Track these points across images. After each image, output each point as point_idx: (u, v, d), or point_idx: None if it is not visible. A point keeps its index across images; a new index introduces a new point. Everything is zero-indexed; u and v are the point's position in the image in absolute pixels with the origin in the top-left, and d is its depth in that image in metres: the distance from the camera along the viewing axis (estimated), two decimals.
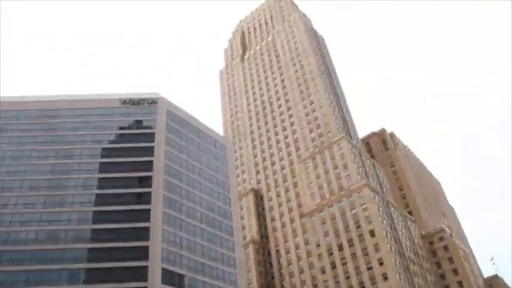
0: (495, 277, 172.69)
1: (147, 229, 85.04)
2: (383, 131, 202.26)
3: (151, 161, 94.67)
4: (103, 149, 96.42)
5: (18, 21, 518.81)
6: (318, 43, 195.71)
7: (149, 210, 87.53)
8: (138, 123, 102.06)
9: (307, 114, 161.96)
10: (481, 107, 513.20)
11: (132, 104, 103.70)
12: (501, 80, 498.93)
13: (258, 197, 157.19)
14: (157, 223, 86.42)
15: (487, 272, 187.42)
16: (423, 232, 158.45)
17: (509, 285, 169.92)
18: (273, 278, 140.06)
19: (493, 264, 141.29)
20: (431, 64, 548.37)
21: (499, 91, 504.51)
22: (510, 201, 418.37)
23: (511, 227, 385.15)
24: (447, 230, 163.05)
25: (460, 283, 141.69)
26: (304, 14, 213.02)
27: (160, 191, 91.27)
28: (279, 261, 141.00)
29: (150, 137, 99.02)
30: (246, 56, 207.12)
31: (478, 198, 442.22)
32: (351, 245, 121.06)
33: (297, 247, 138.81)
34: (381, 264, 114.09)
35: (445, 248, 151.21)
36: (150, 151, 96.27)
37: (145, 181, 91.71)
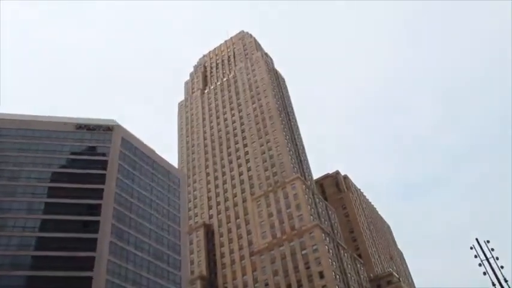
0: None
1: (92, 259, 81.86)
2: (337, 173, 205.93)
3: (102, 189, 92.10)
4: (53, 173, 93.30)
5: None
6: (278, 83, 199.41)
7: (96, 239, 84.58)
8: (92, 150, 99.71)
9: (263, 153, 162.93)
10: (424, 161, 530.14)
11: (87, 129, 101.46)
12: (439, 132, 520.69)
13: (209, 232, 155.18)
14: (103, 253, 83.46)
15: None
16: (372, 275, 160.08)
17: None
18: None
19: None
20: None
21: (437, 144, 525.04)
22: (452, 245, 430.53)
23: (452, 273, 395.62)
24: (395, 274, 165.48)
25: None
26: (266, 54, 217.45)
27: (109, 220, 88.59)
28: None
29: (103, 164, 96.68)
30: (206, 91, 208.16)
31: (425, 243, 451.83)
32: (300, 285, 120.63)
33: (245, 285, 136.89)
34: None
35: None
36: (101, 178, 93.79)
37: (94, 209, 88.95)
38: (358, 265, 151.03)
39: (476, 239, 46.76)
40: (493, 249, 45.69)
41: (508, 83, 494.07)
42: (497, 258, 44.83)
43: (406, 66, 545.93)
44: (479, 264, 45.40)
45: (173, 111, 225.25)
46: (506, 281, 43.37)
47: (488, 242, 46.18)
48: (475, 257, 46.06)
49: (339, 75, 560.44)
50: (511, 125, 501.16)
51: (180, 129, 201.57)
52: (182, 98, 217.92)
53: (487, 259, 45.07)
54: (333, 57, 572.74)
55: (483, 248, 46.03)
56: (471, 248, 46.80)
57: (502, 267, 44.28)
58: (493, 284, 43.86)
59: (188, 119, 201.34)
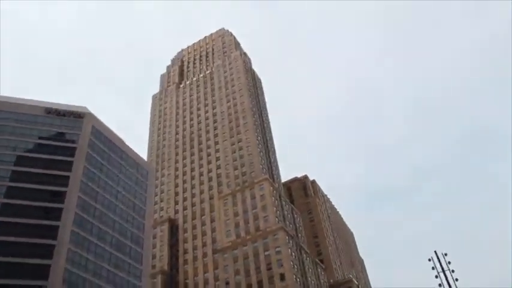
0: None
1: (51, 247, 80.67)
2: (305, 177, 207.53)
3: (68, 176, 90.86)
4: (18, 156, 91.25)
5: None
6: (254, 83, 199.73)
7: (57, 227, 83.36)
8: (60, 136, 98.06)
9: (233, 151, 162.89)
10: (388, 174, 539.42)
11: (57, 114, 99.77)
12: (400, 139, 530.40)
13: (174, 227, 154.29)
14: (63, 242, 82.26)
15: None
16: (332, 280, 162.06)
17: None
18: None
19: None
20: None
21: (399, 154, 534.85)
22: (413, 256, 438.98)
23: (412, 283, 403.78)
24: (355, 281, 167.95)
25: None
26: (245, 53, 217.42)
27: (72, 209, 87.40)
28: None
29: (71, 151, 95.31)
30: (182, 85, 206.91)
31: (386, 252, 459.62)
32: (260, 286, 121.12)
33: (206, 282, 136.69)
34: None
35: None
36: (68, 165, 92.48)
37: (58, 196, 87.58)
38: (319, 270, 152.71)
39: (435, 252, 48.12)
40: (449, 262, 47.07)
41: (477, 94, 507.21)
42: (453, 271, 46.21)
43: (382, 76, 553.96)
44: (436, 276, 46.72)
45: (147, 103, 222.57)
46: None
47: (445, 254, 47.56)
48: (432, 268, 47.39)
49: (313, 81, 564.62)
50: (469, 145, 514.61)
51: (152, 121, 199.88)
52: (157, 90, 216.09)
53: (444, 271, 46.40)
54: (309, 63, 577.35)
55: (440, 260, 47.36)
56: (429, 260, 48.12)
57: (456, 279, 45.67)
58: None
59: (161, 112, 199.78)
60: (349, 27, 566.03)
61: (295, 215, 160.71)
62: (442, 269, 46.59)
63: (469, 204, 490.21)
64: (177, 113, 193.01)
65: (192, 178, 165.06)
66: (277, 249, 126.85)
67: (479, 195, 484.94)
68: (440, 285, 46.19)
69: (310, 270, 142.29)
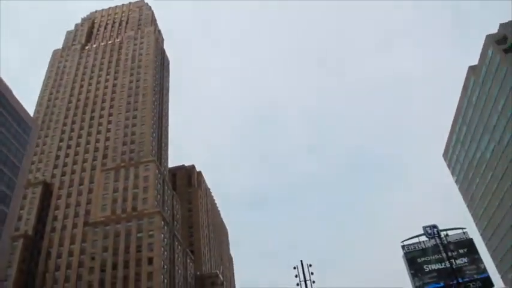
0: None
1: None
2: (192, 167, 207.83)
3: None
4: None
5: None
6: (162, 63, 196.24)
7: None
8: None
9: (126, 127, 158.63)
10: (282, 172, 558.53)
11: None
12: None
13: (48, 192, 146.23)
14: None
15: None
16: (199, 273, 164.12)
17: None
18: (34, 280, 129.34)
19: None
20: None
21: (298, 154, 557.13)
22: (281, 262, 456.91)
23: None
24: (220, 276, 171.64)
25: None
26: (159, 31, 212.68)
27: None
28: (46, 264, 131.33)
29: None
30: (87, 47, 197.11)
31: (257, 255, 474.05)
32: (126, 267, 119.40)
33: (70, 254, 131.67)
34: None
35: None
36: None
37: None
38: (189, 260, 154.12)
39: (301, 261, 51.27)
40: (312, 273, 50.40)
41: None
42: (313, 282, 49.54)
43: (286, 86, 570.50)
44: (297, 284, 49.76)
45: (46, 59, 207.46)
46: None
47: (310, 265, 50.85)
48: (296, 276, 50.42)
49: (225, 78, 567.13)
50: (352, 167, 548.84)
51: (47, 77, 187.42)
52: (60, 47, 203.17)
53: (305, 280, 49.58)
54: (225, 59, 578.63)
55: (304, 270, 50.52)
56: (294, 268, 51.11)
57: None
58: None
59: (59, 70, 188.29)
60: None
61: (175, 203, 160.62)
62: (305, 278, 49.77)
63: (338, 221, 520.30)
64: (76, 75, 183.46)
65: (78, 145, 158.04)
66: (151, 232, 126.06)
67: (352, 216, 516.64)
68: None
69: (180, 259, 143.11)
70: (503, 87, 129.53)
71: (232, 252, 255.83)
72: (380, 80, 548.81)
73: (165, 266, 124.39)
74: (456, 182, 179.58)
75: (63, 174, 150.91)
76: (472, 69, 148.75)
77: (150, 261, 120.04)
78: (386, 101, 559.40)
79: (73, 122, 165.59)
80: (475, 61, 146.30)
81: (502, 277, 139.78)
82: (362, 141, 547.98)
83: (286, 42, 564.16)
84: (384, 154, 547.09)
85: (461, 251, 73.40)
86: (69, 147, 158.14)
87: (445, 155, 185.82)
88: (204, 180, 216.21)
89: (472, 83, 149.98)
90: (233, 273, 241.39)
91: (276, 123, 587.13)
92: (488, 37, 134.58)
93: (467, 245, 74.74)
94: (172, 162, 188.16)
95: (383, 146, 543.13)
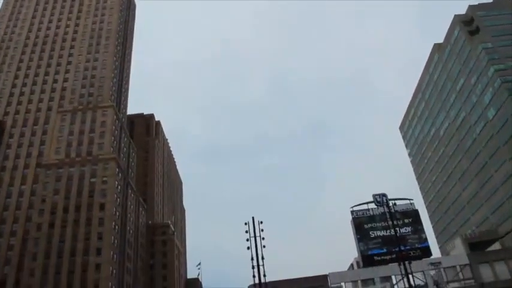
0: (196, 279, 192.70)
1: None
2: (151, 116, 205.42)
3: None
4: None
5: None
6: (128, 7, 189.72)
7: None
8: None
9: (86, 69, 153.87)
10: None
11: None
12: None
13: None
14: None
15: (194, 273, 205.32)
16: (150, 222, 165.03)
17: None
18: None
19: (199, 269, 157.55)
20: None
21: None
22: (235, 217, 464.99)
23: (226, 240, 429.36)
24: (172, 227, 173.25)
25: (164, 277, 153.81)
26: None
27: None
28: None
29: None
30: None
31: (210, 208, 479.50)
32: (77, 211, 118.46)
33: (20, 195, 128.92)
34: (100, 238, 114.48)
35: (164, 242, 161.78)
36: None
37: None
38: (141, 209, 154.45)
39: (252, 217, 52.47)
40: (262, 230, 51.74)
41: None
42: (263, 238, 50.91)
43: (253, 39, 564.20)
44: (247, 239, 51.05)
45: None
46: (263, 258, 49.53)
47: (261, 222, 52.12)
48: (246, 232, 51.66)
49: (190, 25, 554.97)
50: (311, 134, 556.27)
51: (3, 9, 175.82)
52: None
53: (255, 237, 50.91)
54: (192, 8, 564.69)
55: (255, 226, 51.79)
56: (245, 224, 52.29)
57: (264, 246, 50.50)
58: (252, 259, 49.81)
59: (18, 3, 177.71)
60: None
61: (131, 150, 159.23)
62: (255, 234, 51.06)
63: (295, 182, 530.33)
64: (36, 10, 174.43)
65: (34, 83, 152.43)
66: (104, 178, 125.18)
67: (307, 177, 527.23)
68: (248, 248, 50.62)
69: (132, 207, 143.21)
70: (464, 67, 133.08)
71: (185, 204, 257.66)
72: (349, 51, 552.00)
73: (117, 213, 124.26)
74: (409, 155, 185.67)
75: (17, 112, 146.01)
76: (437, 46, 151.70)
77: (102, 207, 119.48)
78: (350, 72, 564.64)
79: (30, 59, 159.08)
80: (441, 40, 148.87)
81: (440, 248, 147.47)
82: (322, 108, 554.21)
83: None
84: (343, 124, 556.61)
85: (406, 220, 76.73)
86: (24, 85, 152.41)
87: (401, 128, 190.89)
88: (162, 130, 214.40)
89: (435, 61, 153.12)
90: (185, 224, 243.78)
91: (239, 79, 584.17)
92: (456, 17, 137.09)
93: (413, 215, 78.16)
94: (131, 110, 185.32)
95: (342, 115, 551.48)
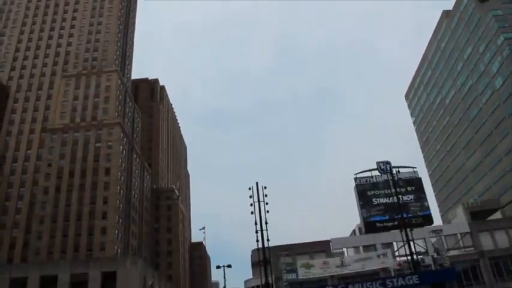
0: (200, 243, 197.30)
1: None
2: (156, 81, 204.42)
3: None
4: None
5: None
6: None
7: None
8: None
9: (90, 33, 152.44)
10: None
11: None
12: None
13: (4, 94, 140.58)
14: None
15: (198, 238, 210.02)
16: (155, 186, 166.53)
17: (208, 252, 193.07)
18: None
19: (203, 233, 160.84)
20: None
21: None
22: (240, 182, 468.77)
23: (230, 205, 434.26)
24: (176, 191, 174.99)
25: (169, 240, 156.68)
26: None
27: None
28: (1, 168, 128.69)
29: None
30: None
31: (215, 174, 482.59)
32: (83, 176, 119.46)
33: (26, 159, 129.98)
34: (105, 202, 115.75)
35: (168, 207, 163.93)
36: None
37: None
38: (146, 173, 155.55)
39: (256, 183, 52.78)
40: (266, 195, 52.09)
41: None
42: (267, 203, 51.33)
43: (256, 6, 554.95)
44: (251, 204, 51.49)
45: None
46: (266, 223, 50.11)
47: (265, 187, 52.39)
48: (250, 197, 52.07)
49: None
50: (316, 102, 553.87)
51: None
52: None
53: (259, 202, 51.32)
54: None
55: (259, 192, 52.12)
56: (249, 189, 52.63)
57: (268, 211, 50.97)
58: (255, 223, 50.38)
59: None
60: None
61: (136, 115, 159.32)
62: (259, 199, 51.45)
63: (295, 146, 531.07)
64: None
65: (38, 48, 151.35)
66: (109, 143, 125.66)
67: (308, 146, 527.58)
68: (252, 212, 51.11)
69: (137, 171, 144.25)
70: (472, 35, 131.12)
71: (190, 169, 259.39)
72: (353, 16, 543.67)
73: (122, 178, 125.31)
74: (414, 123, 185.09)
75: (21, 77, 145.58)
76: (445, 13, 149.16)
77: (107, 171, 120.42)
78: (357, 40, 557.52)
79: (33, 23, 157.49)
80: (450, 7, 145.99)
81: (442, 216, 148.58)
82: (328, 75, 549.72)
83: None
84: (348, 93, 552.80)
85: (409, 188, 77.24)
86: (28, 49, 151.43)
87: (407, 96, 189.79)
88: (166, 95, 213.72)
89: (443, 28, 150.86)
90: (189, 189, 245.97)
91: (244, 44, 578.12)
92: None
93: (416, 183, 78.66)
94: (136, 75, 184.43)
95: (348, 83, 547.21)
